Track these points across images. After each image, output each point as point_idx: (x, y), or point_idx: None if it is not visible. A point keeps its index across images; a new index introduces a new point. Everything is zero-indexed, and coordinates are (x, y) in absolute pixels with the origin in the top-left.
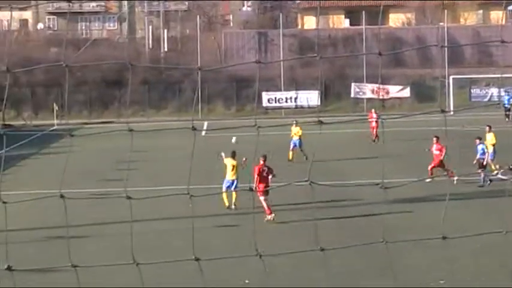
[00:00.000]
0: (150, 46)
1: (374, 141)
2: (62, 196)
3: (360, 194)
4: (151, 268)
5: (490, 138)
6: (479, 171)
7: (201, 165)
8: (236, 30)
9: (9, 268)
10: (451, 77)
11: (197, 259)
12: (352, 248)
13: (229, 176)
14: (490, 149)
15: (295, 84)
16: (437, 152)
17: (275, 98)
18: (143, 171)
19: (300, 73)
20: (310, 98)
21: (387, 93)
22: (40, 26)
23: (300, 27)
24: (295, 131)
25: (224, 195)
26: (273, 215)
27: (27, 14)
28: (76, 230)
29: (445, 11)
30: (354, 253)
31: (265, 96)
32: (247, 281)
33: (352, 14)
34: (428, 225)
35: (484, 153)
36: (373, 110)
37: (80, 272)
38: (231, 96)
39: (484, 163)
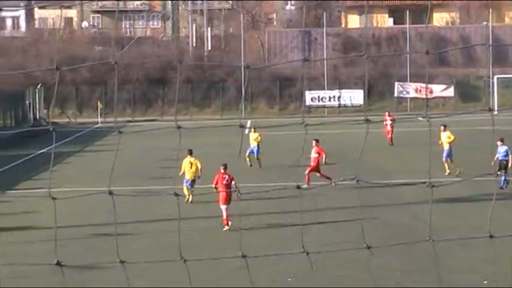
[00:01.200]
0: (194, 44)
1: (391, 144)
2: (110, 193)
3: (404, 193)
4: (197, 265)
5: (446, 137)
6: (500, 172)
7: (244, 163)
8: (280, 29)
9: (58, 263)
10: (495, 77)
11: (244, 256)
12: (396, 247)
13: (188, 175)
14: (446, 147)
15: (339, 83)
16: (316, 155)
17: (318, 96)
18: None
19: (343, 72)
20: (354, 96)
21: (431, 92)
22: (85, 24)
23: (343, 26)
24: (254, 137)
25: (185, 188)
26: (230, 225)
27: (72, 13)
28: (121, 228)
29: (490, 10)
30: (398, 252)
31: (308, 95)
32: (289, 279)
33: (396, 13)
34: (473, 224)
35: (507, 154)
36: (386, 113)
37: (126, 268)
38: (274, 95)
39: (510, 165)
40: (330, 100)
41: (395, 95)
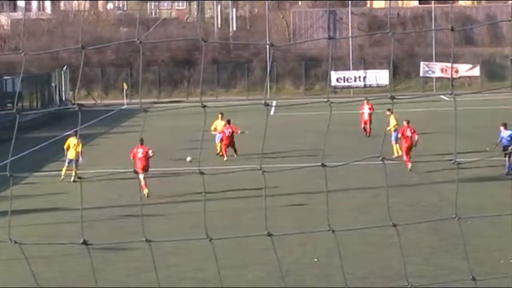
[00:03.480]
0: (219, 25)
1: (368, 135)
2: (135, 172)
3: (431, 172)
4: (222, 245)
5: (392, 121)
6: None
7: (269, 143)
8: (305, 8)
9: (85, 242)
10: None
11: (270, 234)
12: (422, 225)
13: (70, 154)
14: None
15: (364, 63)
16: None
17: (344, 77)
18: (212, 150)
19: (368, 52)
20: (379, 77)
21: (456, 72)
22: (110, 6)
23: (368, 5)
24: (222, 124)
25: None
26: (146, 190)
27: None
28: (146, 209)
29: None
30: (426, 231)
31: (334, 75)
32: (316, 260)
33: None
34: (500, 203)
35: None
36: (365, 101)
37: (151, 249)
38: (299, 75)
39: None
40: (355, 80)
41: (421, 74)
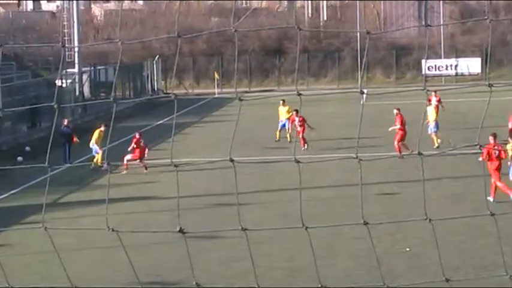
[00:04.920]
0: (310, 15)
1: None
2: (231, 160)
3: None
4: (314, 234)
5: (431, 111)
6: None
7: (361, 132)
8: None
9: (181, 230)
10: None
11: (366, 223)
12: None
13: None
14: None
15: (456, 51)
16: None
17: (435, 65)
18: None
19: (460, 40)
20: (471, 65)
21: None
22: None
23: None
24: (285, 111)
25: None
26: (128, 169)
27: None
28: (238, 197)
29: None
30: None
31: (425, 63)
32: (408, 249)
33: None
34: None
35: None
36: (433, 93)
37: (244, 238)
38: (390, 64)
39: None
40: (446, 69)
41: None
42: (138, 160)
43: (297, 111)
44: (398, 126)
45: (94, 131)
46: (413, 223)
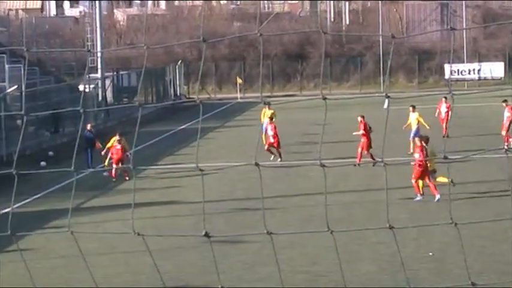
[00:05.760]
0: (332, 19)
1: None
2: (257, 164)
3: None
4: (337, 238)
5: (414, 118)
6: None
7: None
8: (418, 1)
9: (206, 235)
10: None
11: (391, 227)
12: None
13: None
14: (414, 127)
15: (478, 56)
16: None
17: (458, 70)
18: (324, 144)
19: (483, 44)
20: (494, 69)
21: None
22: (223, 1)
23: None
24: (268, 114)
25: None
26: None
27: None
28: (261, 202)
29: None
30: None
31: (447, 68)
32: (431, 254)
33: None
34: None
35: None
36: (443, 99)
37: (268, 242)
38: (413, 68)
39: None
40: (469, 73)
41: None
42: (116, 164)
43: (271, 118)
44: (361, 132)
45: (111, 137)
46: (437, 228)
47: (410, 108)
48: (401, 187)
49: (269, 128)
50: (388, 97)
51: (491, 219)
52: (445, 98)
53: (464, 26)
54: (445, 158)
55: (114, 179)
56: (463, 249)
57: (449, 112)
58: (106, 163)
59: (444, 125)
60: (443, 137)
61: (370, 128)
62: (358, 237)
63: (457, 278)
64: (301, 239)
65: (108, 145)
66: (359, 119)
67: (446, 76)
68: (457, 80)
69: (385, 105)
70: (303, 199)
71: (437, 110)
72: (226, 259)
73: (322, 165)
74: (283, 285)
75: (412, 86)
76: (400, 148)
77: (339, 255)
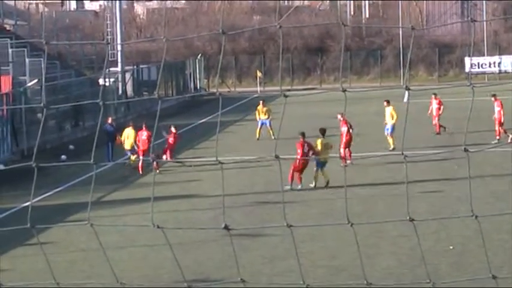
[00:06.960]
0: (352, 13)
1: (437, 133)
2: (277, 157)
3: None
4: (357, 232)
5: (389, 112)
6: None
7: (402, 131)
8: None
9: (226, 227)
10: None
11: (412, 220)
12: None
13: (127, 145)
14: (390, 123)
15: (499, 49)
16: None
17: (478, 63)
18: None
19: (503, 38)
20: None
21: None
22: None
23: None
24: (264, 111)
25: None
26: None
27: None
28: (280, 196)
29: None
30: None
31: (467, 61)
32: (451, 247)
33: None
34: None
35: None
36: (433, 96)
37: (288, 235)
38: (433, 62)
39: None
40: (490, 66)
41: None
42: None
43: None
44: (346, 129)
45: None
46: (457, 221)
47: (385, 103)
48: (420, 180)
49: (267, 123)
50: (408, 89)
51: (511, 212)
52: (435, 94)
53: (484, 19)
54: (465, 150)
55: (140, 172)
56: (484, 242)
57: (441, 107)
58: (133, 158)
59: (436, 121)
60: (437, 134)
61: (350, 125)
62: (378, 231)
63: (477, 271)
64: (320, 232)
65: (132, 137)
66: (339, 116)
67: (467, 69)
68: (478, 73)
69: (405, 99)
70: (322, 192)
71: (430, 107)
72: (245, 253)
73: (341, 158)
74: (303, 280)
75: (432, 79)
76: (419, 141)
77: (360, 248)
